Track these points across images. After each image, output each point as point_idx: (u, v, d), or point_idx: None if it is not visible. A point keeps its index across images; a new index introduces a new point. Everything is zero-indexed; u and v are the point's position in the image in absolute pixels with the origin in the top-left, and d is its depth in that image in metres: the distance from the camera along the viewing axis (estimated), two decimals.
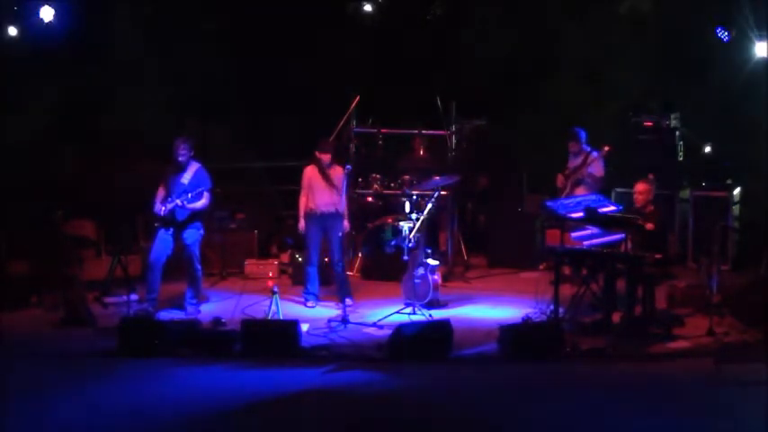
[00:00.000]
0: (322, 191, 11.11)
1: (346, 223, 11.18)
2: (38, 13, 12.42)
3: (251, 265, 12.67)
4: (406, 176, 12.75)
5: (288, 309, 10.82)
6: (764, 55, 12.36)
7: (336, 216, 11.05)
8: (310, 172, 11.20)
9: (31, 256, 11.58)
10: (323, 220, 11.11)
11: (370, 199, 13.06)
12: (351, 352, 9.60)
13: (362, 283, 12.29)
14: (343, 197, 11.10)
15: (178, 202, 10.59)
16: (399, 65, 14.36)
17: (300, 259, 12.07)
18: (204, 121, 14.15)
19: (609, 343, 9.67)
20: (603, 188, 12.11)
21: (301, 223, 11.25)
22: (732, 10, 12.47)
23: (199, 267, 10.95)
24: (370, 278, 12.43)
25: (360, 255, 12.62)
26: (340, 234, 10.98)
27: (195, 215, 10.78)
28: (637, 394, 8.55)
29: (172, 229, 10.73)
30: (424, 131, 13.34)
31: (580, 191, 11.79)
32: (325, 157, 11.12)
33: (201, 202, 10.73)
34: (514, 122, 13.95)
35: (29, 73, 12.72)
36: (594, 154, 11.92)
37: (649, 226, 10.04)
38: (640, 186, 10.44)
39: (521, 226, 12.94)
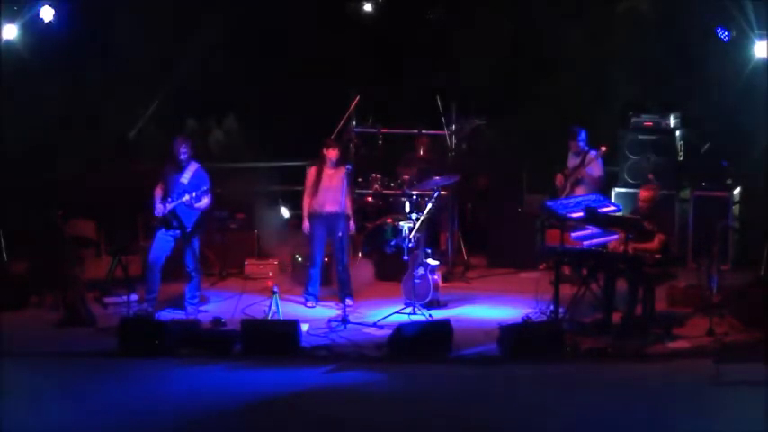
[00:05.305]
0: (326, 191, 11.09)
1: (352, 224, 11.20)
2: (38, 13, 12.41)
3: (251, 265, 12.66)
4: (406, 176, 12.75)
5: (288, 309, 10.82)
6: (764, 55, 12.36)
7: (341, 216, 11.03)
8: (314, 172, 11.20)
9: (31, 256, 11.58)
10: (327, 221, 11.10)
11: (370, 199, 13.05)
12: (351, 352, 9.60)
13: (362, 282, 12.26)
14: (347, 197, 11.11)
15: (185, 198, 10.56)
16: (399, 65, 14.36)
17: (300, 259, 12.06)
18: (204, 121, 14.15)
19: (609, 343, 9.67)
20: (603, 188, 12.11)
21: (305, 224, 11.24)
22: (732, 10, 12.47)
23: (199, 267, 10.95)
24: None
25: (360, 255, 12.60)
26: (341, 234, 10.97)
27: (195, 215, 10.77)
28: (637, 394, 8.56)
29: (171, 230, 10.73)
30: (424, 131, 13.33)
31: (579, 191, 11.78)
32: (332, 154, 11.10)
33: (204, 202, 10.72)
34: (514, 122, 13.95)
35: (29, 73, 12.72)
36: (592, 153, 11.93)
37: (660, 236, 10.03)
38: (644, 193, 10.36)
39: (521, 226, 12.92)
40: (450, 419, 8.07)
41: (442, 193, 12.03)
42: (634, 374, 9.09)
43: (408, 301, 10.87)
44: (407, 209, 11.97)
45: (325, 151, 11.14)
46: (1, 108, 12.48)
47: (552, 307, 10.27)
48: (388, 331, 9.84)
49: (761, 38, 12.37)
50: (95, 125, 13.55)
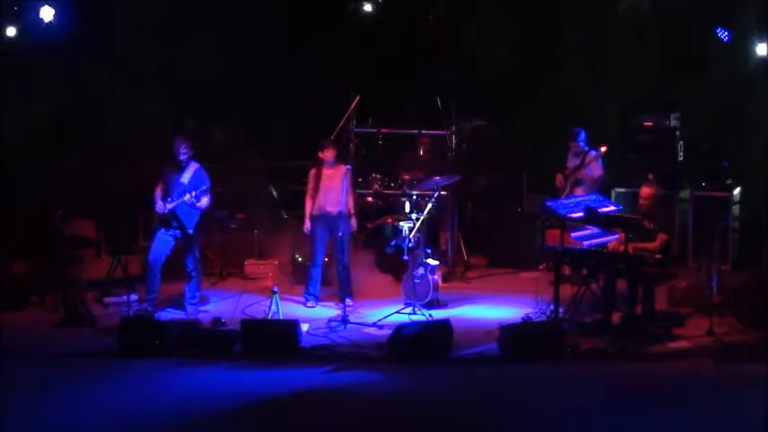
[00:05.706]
0: (327, 191, 11.11)
1: (354, 222, 11.24)
2: (38, 13, 12.41)
3: (251, 265, 12.66)
4: (406, 176, 12.75)
5: (288, 309, 10.83)
6: (764, 55, 12.36)
7: (342, 216, 11.05)
8: (314, 174, 11.22)
9: (31, 256, 11.58)
10: (329, 221, 11.11)
11: (370, 199, 13.05)
12: (351, 352, 9.61)
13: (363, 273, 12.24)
14: (348, 196, 11.12)
15: (185, 198, 10.56)
16: (399, 65, 14.36)
17: (300, 259, 12.07)
18: (204, 121, 14.14)
19: (609, 343, 9.68)
20: (603, 188, 12.11)
21: (306, 224, 11.25)
22: (732, 10, 12.47)
23: (199, 267, 10.95)
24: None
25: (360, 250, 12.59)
26: (340, 234, 10.97)
27: (195, 215, 10.77)
28: (637, 394, 8.56)
29: (171, 229, 10.73)
30: (424, 131, 13.34)
31: (579, 191, 11.79)
32: (328, 154, 11.14)
33: (203, 202, 10.73)
34: (514, 122, 13.95)
35: (29, 73, 12.72)
36: (593, 153, 11.93)
37: (662, 236, 10.03)
38: (646, 190, 10.36)
39: (521, 226, 12.93)
40: (450, 419, 8.07)
41: (442, 193, 12.04)
42: (634, 374, 9.09)
43: (408, 301, 10.87)
44: (407, 209, 11.97)
45: (320, 154, 11.17)
46: (1, 108, 12.48)
47: (552, 307, 10.27)
48: (388, 331, 9.83)
49: (761, 38, 12.37)
50: (95, 125, 13.55)
